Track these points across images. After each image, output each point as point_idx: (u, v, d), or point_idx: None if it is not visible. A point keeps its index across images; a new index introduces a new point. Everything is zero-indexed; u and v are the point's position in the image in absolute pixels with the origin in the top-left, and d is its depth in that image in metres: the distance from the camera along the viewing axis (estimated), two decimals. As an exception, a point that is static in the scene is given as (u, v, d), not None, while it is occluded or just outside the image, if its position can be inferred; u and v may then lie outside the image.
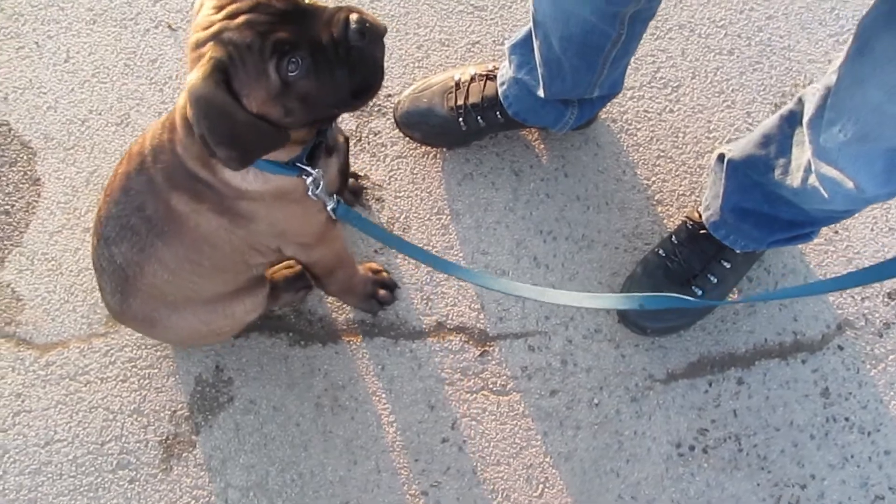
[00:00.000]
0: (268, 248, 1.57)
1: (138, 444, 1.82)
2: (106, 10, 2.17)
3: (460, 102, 1.91)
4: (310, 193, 1.39)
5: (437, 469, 1.80)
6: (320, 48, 1.20)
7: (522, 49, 1.76)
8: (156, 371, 1.86)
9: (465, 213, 1.96)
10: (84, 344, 1.88)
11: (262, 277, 1.72)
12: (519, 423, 1.83)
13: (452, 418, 1.83)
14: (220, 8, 1.18)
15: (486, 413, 1.83)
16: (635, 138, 2.03)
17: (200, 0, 1.22)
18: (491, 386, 1.85)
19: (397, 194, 1.98)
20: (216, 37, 1.17)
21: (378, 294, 1.88)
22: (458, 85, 1.93)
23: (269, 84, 1.18)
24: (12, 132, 2.05)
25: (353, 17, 1.21)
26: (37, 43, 2.14)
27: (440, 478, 1.79)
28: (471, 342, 1.87)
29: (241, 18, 1.17)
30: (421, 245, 1.92)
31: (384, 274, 1.90)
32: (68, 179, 2.00)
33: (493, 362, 1.86)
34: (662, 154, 2.02)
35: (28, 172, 2.02)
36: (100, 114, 2.06)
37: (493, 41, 2.11)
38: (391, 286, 1.90)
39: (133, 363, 1.86)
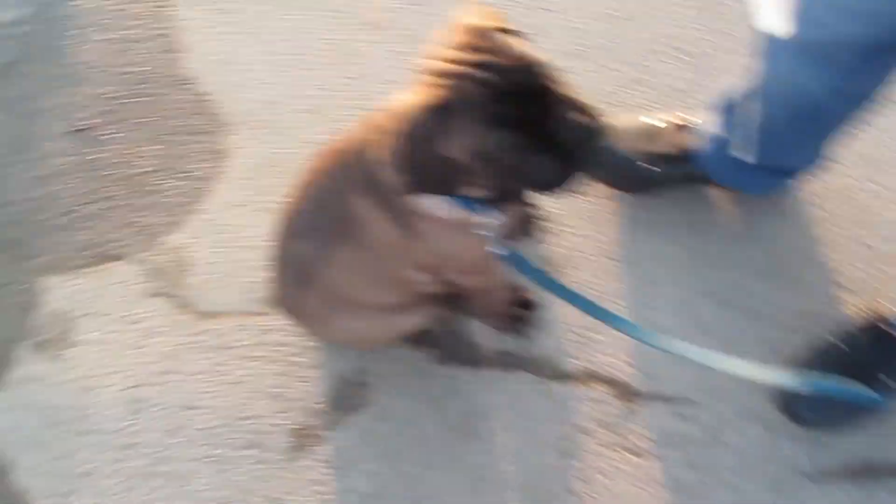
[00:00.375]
0: (429, 269, 1.57)
1: (271, 428, 1.84)
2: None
3: (651, 149, 1.85)
4: (484, 233, 1.40)
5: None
6: (546, 141, 1.19)
7: (733, 108, 1.68)
8: (302, 360, 1.88)
9: (635, 262, 1.89)
10: (239, 320, 1.93)
11: (425, 296, 1.71)
12: (648, 489, 1.74)
13: (582, 469, 1.76)
14: (470, 47, 1.18)
15: (618, 471, 1.76)
16: (828, 214, 1.90)
17: (457, 25, 1.22)
18: (628, 445, 1.77)
19: (570, 230, 1.93)
20: (458, 79, 1.17)
21: (517, 314, 1.85)
22: (651, 130, 1.87)
23: (477, 145, 1.19)
24: (211, 103, 2.13)
25: (596, 128, 1.21)
26: (250, 22, 2.21)
27: None
28: (616, 395, 1.81)
29: (485, 74, 1.17)
30: (586, 288, 1.87)
31: (526, 294, 1.86)
32: (253, 158, 2.06)
33: (636, 421, 1.78)
34: (857, 238, 1.89)
35: (217, 144, 2.09)
36: (294, 99, 2.12)
37: (694, 89, 2.03)
38: (531, 306, 1.86)
39: (282, 348, 1.89)
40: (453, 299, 1.77)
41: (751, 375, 1.40)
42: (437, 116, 1.18)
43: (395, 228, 1.44)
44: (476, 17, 1.23)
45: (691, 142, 1.81)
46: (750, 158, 1.67)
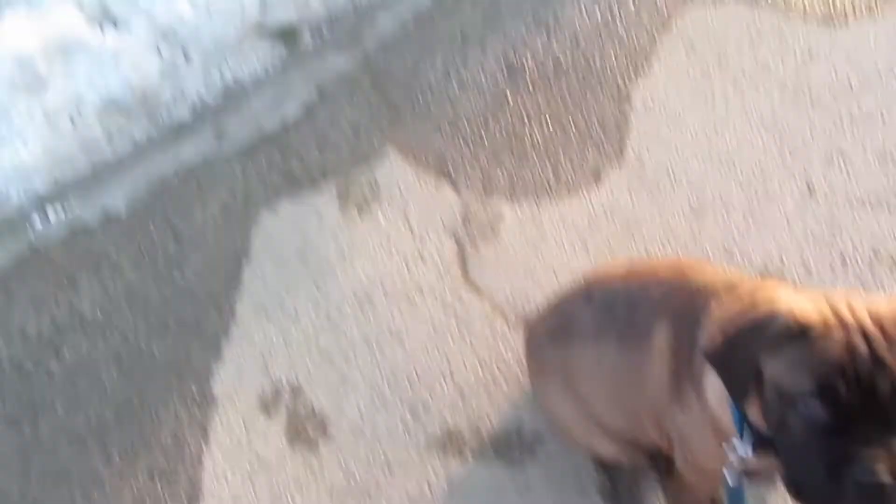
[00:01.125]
0: (665, 433, 1.49)
1: (437, 412, 1.86)
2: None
3: None
4: (728, 452, 1.28)
5: None
6: (841, 458, 1.09)
7: None
8: (503, 389, 1.87)
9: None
10: (491, 311, 1.95)
11: (637, 445, 1.63)
12: None
13: None
14: (883, 327, 1.10)
15: None
16: None
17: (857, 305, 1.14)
18: None
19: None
20: (840, 329, 1.10)
21: None
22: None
23: (788, 386, 1.12)
24: (625, 131, 2.13)
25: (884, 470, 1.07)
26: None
27: None
28: None
29: (864, 351, 1.08)
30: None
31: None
32: (623, 211, 2.04)
33: None
34: None
35: (601, 173, 2.10)
36: (717, 172, 2.05)
37: None
38: None
39: (499, 364, 1.89)
40: (661, 463, 1.67)
41: None
42: (790, 330, 1.10)
43: (666, 375, 1.38)
44: None
45: None
46: None
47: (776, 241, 1.97)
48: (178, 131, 2.26)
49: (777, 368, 1.13)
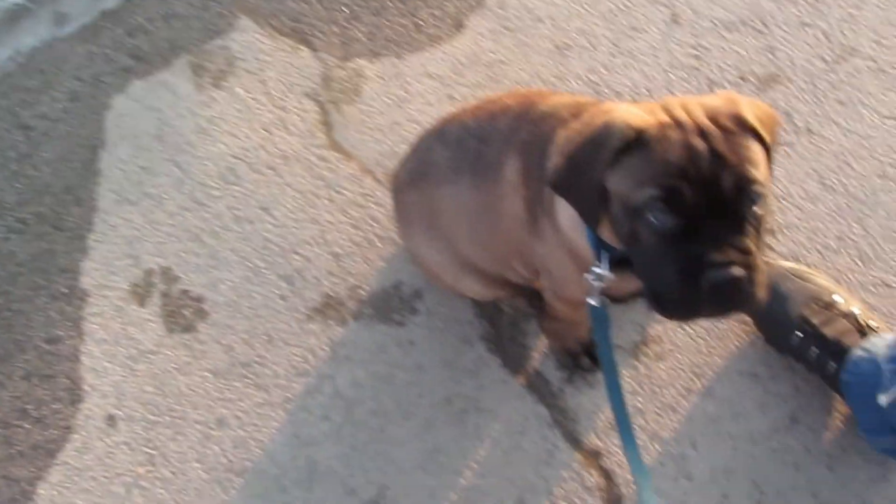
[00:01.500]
0: (530, 266, 1.48)
1: (312, 279, 1.83)
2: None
3: (814, 321, 1.64)
4: (587, 276, 1.28)
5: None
6: (691, 257, 1.09)
7: None
8: (380, 247, 1.84)
9: (717, 399, 1.72)
10: (359, 172, 1.89)
11: (507, 282, 1.62)
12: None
13: (523, 526, 1.68)
14: (716, 119, 1.09)
15: (551, 553, 1.67)
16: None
17: (727, 97, 1.13)
18: (577, 540, 1.68)
19: (682, 328, 1.77)
20: (675, 129, 1.08)
21: (580, 358, 1.74)
22: (829, 305, 1.66)
23: (633, 194, 1.09)
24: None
25: (736, 272, 1.08)
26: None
27: (464, 556, 1.67)
28: (603, 493, 1.69)
29: (701, 146, 1.07)
30: (656, 389, 1.73)
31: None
32: (477, 52, 1.97)
33: (600, 529, 1.68)
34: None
35: (460, 18, 2.01)
36: (560, 21, 1.99)
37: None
38: (598, 360, 1.73)
39: (373, 224, 1.85)
40: (536, 301, 1.67)
41: None
42: (626, 139, 1.08)
43: (522, 207, 1.36)
44: (750, 107, 1.12)
45: (855, 351, 1.59)
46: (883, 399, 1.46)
47: (643, 72, 1.94)
48: (13, 19, 2.10)
49: (619, 181, 1.11)
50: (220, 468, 1.74)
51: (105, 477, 1.75)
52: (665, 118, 1.10)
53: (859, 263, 1.79)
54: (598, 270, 1.27)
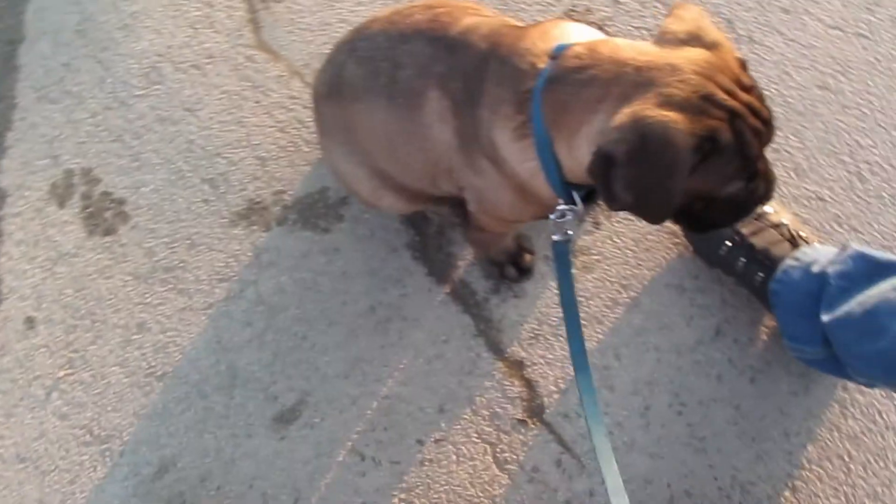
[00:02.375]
0: (456, 183, 1.43)
1: (236, 182, 1.78)
2: None
3: (744, 231, 1.62)
4: (552, 217, 1.25)
5: (386, 451, 1.66)
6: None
7: (868, 274, 1.43)
8: (306, 151, 1.79)
9: (643, 311, 1.71)
10: (287, 71, 1.83)
11: (430, 196, 1.57)
12: (482, 495, 1.65)
13: (445, 434, 1.67)
14: (741, 82, 1.10)
15: (471, 459, 1.66)
16: (845, 423, 1.67)
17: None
18: (498, 449, 1.67)
19: (614, 237, 1.74)
20: (731, 116, 1.07)
21: (506, 268, 1.72)
22: (759, 216, 1.63)
23: (719, 189, 1.13)
24: None
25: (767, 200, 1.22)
26: None
27: (383, 460, 1.66)
28: (524, 403, 1.68)
29: (757, 123, 1.09)
30: (582, 300, 1.70)
31: (527, 257, 1.72)
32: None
33: (521, 436, 1.67)
34: (848, 458, 1.66)
35: None
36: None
37: (837, 218, 1.75)
38: (524, 270, 1.72)
39: (299, 127, 1.80)
40: (459, 208, 1.63)
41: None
42: (702, 148, 1.05)
43: (453, 138, 1.30)
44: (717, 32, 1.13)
45: (786, 260, 1.57)
46: (825, 317, 1.44)
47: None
48: None
49: (701, 183, 1.10)
50: (141, 372, 1.72)
51: (24, 379, 1.73)
52: (716, 111, 1.05)
53: (794, 176, 1.76)
54: (565, 208, 1.23)
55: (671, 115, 1.02)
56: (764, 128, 1.10)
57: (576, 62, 1.13)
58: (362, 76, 1.37)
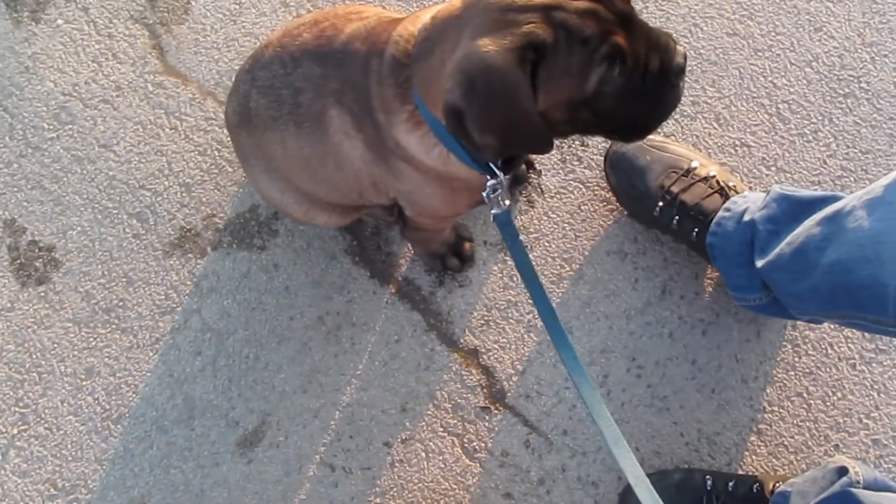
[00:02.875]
0: (386, 194, 1.41)
1: (165, 213, 1.75)
2: None
3: (674, 189, 1.63)
4: (485, 195, 1.23)
5: (356, 459, 1.66)
6: (643, 70, 1.05)
7: (792, 213, 1.44)
8: (231, 172, 1.76)
9: (588, 282, 1.71)
10: (199, 95, 1.79)
11: (361, 206, 1.55)
12: (455, 486, 1.66)
13: (411, 433, 1.67)
14: None
15: (439, 454, 1.67)
16: (799, 361, 1.70)
17: None
18: (465, 440, 1.67)
19: (550, 213, 1.75)
20: (546, 11, 0.98)
21: (447, 259, 1.71)
22: (687, 172, 1.65)
23: (581, 88, 1.03)
24: None
25: (680, 50, 1.07)
26: None
27: (353, 468, 1.66)
28: (485, 390, 1.69)
29: (584, 4, 0.99)
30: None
31: (467, 245, 1.71)
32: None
33: (485, 422, 1.67)
34: (806, 394, 1.69)
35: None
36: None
37: (764, 161, 1.77)
38: (466, 259, 1.71)
39: (221, 148, 1.77)
40: (391, 208, 1.61)
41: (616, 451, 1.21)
42: (528, 59, 0.98)
43: (366, 152, 1.28)
44: None
45: (719, 213, 1.58)
46: (759, 262, 1.46)
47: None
48: None
49: (553, 95, 1.03)
50: (97, 418, 1.69)
51: (-23, 443, 1.69)
52: (523, 16, 0.99)
53: (716, 126, 1.77)
54: (493, 182, 1.21)
55: (481, 42, 0.98)
56: (597, 3, 1.00)
57: (423, 34, 1.12)
58: (266, 106, 1.33)
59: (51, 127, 1.78)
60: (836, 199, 1.39)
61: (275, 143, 1.36)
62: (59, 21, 1.84)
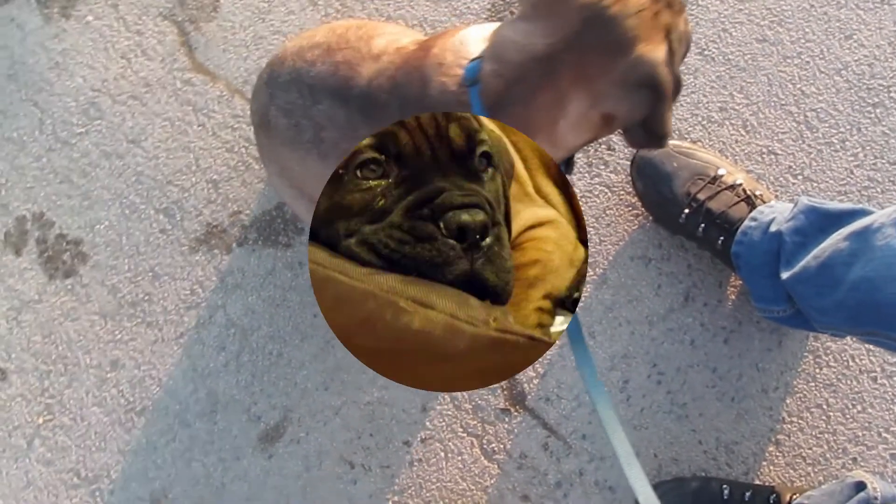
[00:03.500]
0: None
1: (192, 209, 1.76)
2: None
3: (700, 197, 1.62)
4: None
5: (375, 457, 1.67)
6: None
7: (820, 226, 1.44)
8: (256, 170, 1.77)
9: (611, 286, 1.71)
10: (227, 92, 1.80)
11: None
12: (473, 487, 1.67)
13: (430, 433, 1.68)
14: None
15: (458, 455, 1.68)
16: (820, 372, 1.70)
17: None
18: (484, 441, 1.68)
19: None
20: None
21: None
22: (714, 179, 1.64)
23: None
24: None
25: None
26: None
27: (372, 466, 1.67)
28: (505, 392, 1.69)
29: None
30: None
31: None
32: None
33: (505, 425, 1.68)
34: (826, 406, 1.69)
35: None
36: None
37: (791, 170, 1.76)
38: None
39: (248, 145, 1.78)
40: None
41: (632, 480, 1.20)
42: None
43: None
44: None
45: (745, 221, 1.57)
46: (784, 274, 1.46)
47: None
48: None
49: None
50: (121, 409, 1.71)
51: (3, 430, 1.72)
52: None
53: (744, 133, 1.76)
54: None
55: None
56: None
57: (498, 82, 1.10)
58: (286, 127, 1.30)
59: (80, 122, 1.80)
60: (864, 213, 1.38)
61: (294, 160, 1.34)
62: (89, 17, 1.85)
